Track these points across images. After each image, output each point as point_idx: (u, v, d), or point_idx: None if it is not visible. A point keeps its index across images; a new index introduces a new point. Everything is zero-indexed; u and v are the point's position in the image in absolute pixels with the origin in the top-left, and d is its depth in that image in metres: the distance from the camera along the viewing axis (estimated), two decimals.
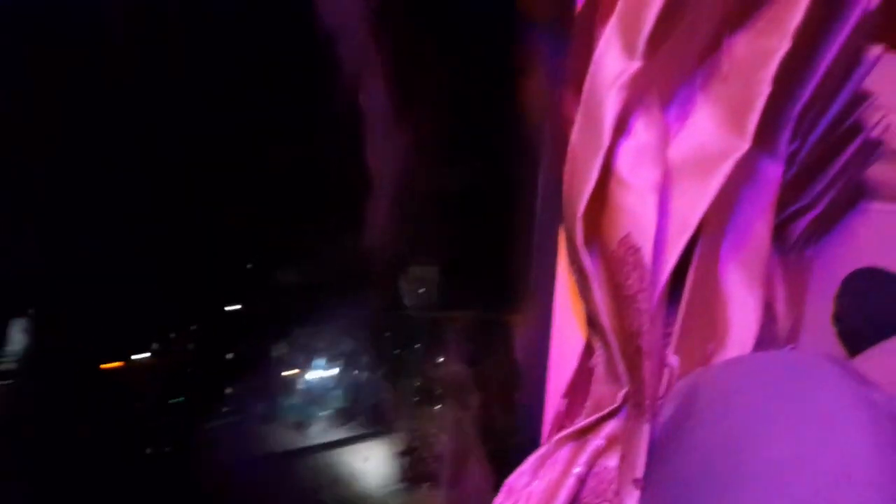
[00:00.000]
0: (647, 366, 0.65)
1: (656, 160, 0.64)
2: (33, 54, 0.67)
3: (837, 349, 1.03)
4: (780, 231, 0.88)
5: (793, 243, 0.96)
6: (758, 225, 0.79)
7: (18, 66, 0.67)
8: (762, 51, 0.66)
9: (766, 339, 0.83)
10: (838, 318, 1.04)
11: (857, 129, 0.89)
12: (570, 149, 0.65)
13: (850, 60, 0.80)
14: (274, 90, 0.74)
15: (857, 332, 1.02)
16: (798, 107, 0.77)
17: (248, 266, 0.80)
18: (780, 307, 0.94)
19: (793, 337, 0.95)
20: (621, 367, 0.68)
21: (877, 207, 1.04)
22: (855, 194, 1.03)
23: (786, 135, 0.79)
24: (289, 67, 0.73)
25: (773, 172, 0.80)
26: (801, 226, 0.94)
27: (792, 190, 0.87)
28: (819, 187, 0.91)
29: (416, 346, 0.80)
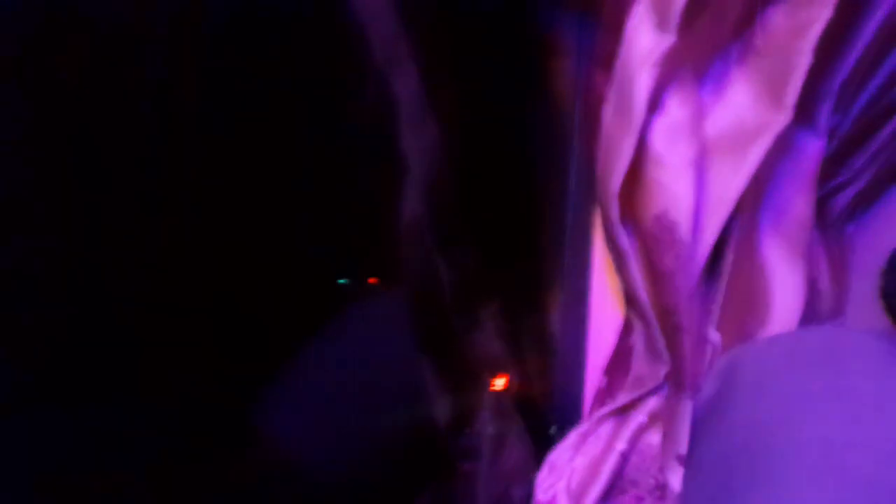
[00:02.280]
0: (687, 343, 0.62)
1: (691, 136, 0.61)
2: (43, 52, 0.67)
3: (884, 325, 0.98)
4: (821, 207, 0.84)
5: (834, 219, 0.91)
6: (799, 200, 0.76)
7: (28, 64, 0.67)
8: (801, 20, 0.62)
9: (811, 315, 0.80)
10: (884, 294, 0.98)
11: None
12: (602, 127, 0.63)
13: (891, 31, 0.75)
14: (304, 77, 0.73)
15: None
16: (839, 79, 0.73)
17: (280, 251, 0.79)
18: (824, 283, 0.90)
19: (837, 313, 0.91)
20: (661, 344, 0.66)
21: None
22: None
23: (826, 108, 0.75)
24: (319, 54, 0.72)
25: (813, 147, 0.76)
26: (843, 201, 0.90)
27: (833, 164, 0.82)
28: (861, 161, 0.86)
29: (453, 327, 0.78)
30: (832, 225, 0.92)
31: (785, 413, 0.56)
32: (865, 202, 0.95)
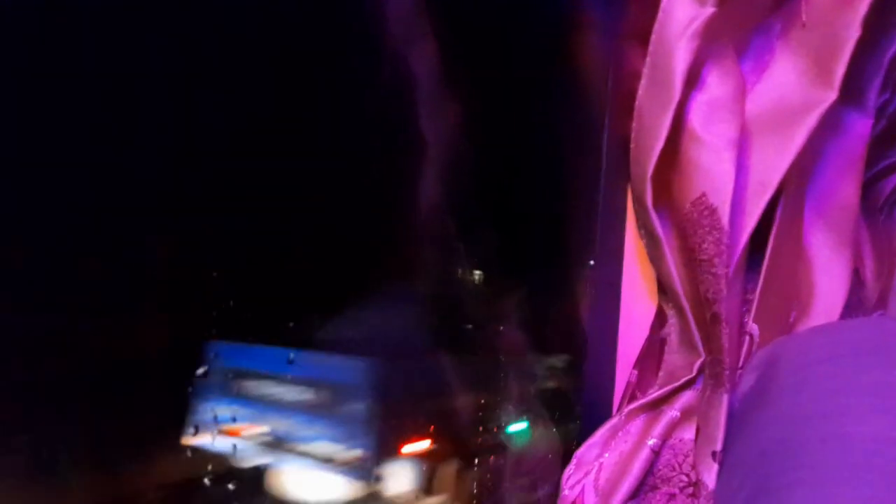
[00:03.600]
0: (726, 334, 0.60)
1: (732, 114, 0.59)
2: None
3: None
4: (867, 190, 0.81)
5: (882, 204, 0.88)
6: (844, 184, 0.73)
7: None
8: None
9: (854, 305, 0.77)
10: None
11: None
12: (637, 104, 0.61)
13: None
14: (326, 58, 0.72)
15: None
16: (889, 53, 0.70)
17: (300, 233, 0.78)
18: (868, 272, 0.87)
19: (882, 303, 0.88)
20: (697, 336, 0.64)
21: None
22: None
23: (875, 85, 0.72)
24: (338, 36, 0.71)
25: (861, 126, 0.73)
26: (891, 185, 0.86)
27: (881, 145, 0.79)
28: None
29: (481, 318, 0.77)
30: (879, 210, 0.88)
31: (828, 407, 0.54)
32: None
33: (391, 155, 0.73)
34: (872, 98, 0.72)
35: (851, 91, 0.69)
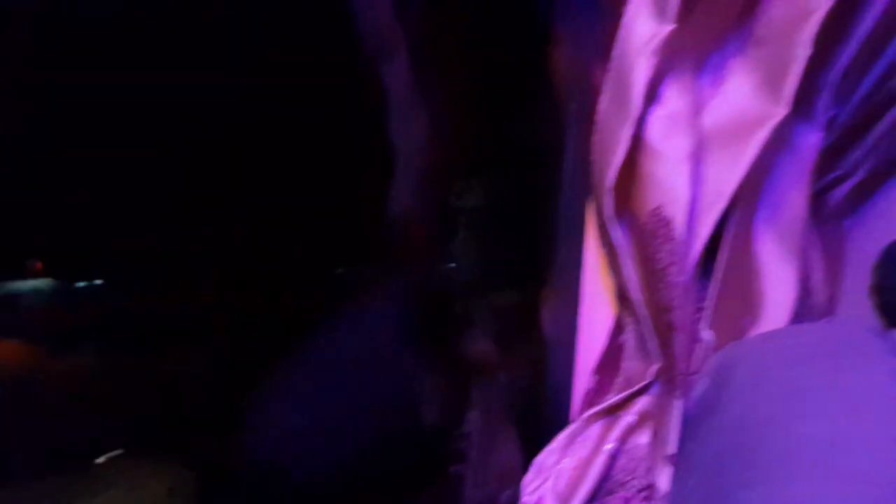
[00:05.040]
0: (679, 341, 0.63)
1: (688, 129, 0.62)
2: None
3: (876, 322, 1.00)
4: (816, 200, 0.85)
5: (830, 213, 0.93)
6: (794, 194, 0.77)
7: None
8: (801, 10, 0.63)
9: (803, 312, 0.81)
10: (877, 290, 1.00)
11: None
12: (598, 118, 0.63)
13: (894, 18, 0.76)
14: (294, 68, 0.72)
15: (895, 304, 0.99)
16: (839, 69, 0.74)
17: (266, 244, 0.79)
18: (817, 279, 0.91)
19: (830, 310, 0.93)
20: (652, 343, 0.67)
21: None
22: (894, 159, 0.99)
23: (824, 100, 0.76)
24: (310, 44, 0.72)
25: (810, 139, 0.77)
26: (840, 195, 0.91)
27: (830, 157, 0.84)
28: (858, 154, 0.87)
29: (443, 324, 0.79)
30: (828, 219, 0.93)
31: (778, 410, 0.57)
32: (863, 196, 0.96)
33: (357, 163, 0.74)
34: (822, 112, 0.76)
35: (802, 105, 0.73)
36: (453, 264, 0.76)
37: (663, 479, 0.65)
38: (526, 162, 0.77)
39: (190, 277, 0.80)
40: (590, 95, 0.64)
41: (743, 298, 0.74)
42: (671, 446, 0.64)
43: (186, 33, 0.70)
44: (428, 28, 0.69)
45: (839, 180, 0.90)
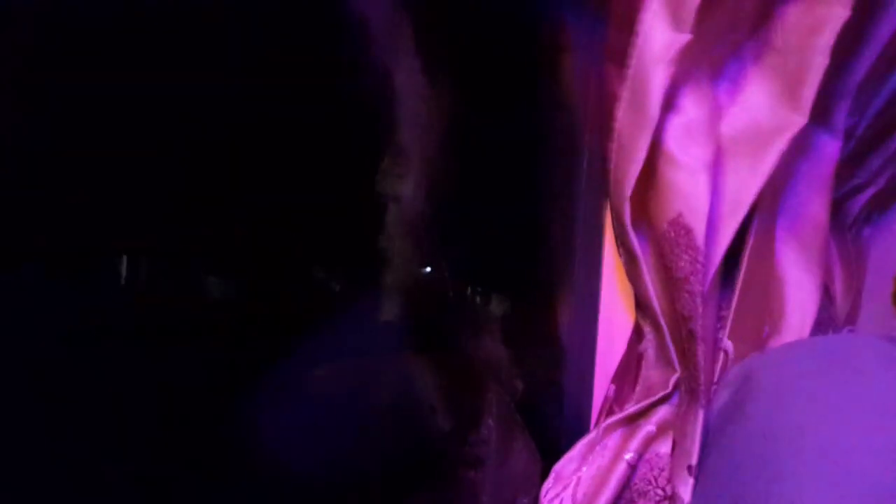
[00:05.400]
0: (701, 350, 0.63)
1: (707, 137, 0.62)
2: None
3: None
4: (836, 209, 0.85)
5: (850, 222, 0.92)
6: (814, 203, 0.77)
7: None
8: (818, 19, 0.63)
9: (824, 321, 0.81)
10: None
11: None
12: (616, 126, 0.64)
13: None
14: (303, 68, 0.73)
15: None
16: (857, 78, 0.74)
17: (274, 242, 0.80)
18: (838, 288, 0.91)
19: (851, 319, 0.92)
20: (673, 352, 0.67)
21: None
22: None
23: (843, 108, 0.76)
24: (318, 45, 0.72)
25: (830, 148, 0.77)
26: (859, 203, 0.91)
27: (849, 166, 0.84)
28: (878, 162, 0.88)
29: (459, 331, 0.79)
30: (848, 228, 0.93)
31: (797, 421, 0.57)
32: (882, 205, 0.97)
33: (369, 170, 0.75)
34: (841, 121, 0.77)
35: (821, 114, 0.73)
36: (471, 270, 0.77)
37: (685, 490, 0.65)
38: (543, 169, 0.78)
39: (184, 275, 0.80)
40: (605, 102, 0.65)
41: (764, 308, 0.74)
42: (693, 457, 0.64)
43: (187, 32, 0.71)
44: (438, 33, 0.70)
45: (858, 189, 0.90)
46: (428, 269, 0.77)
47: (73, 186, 0.73)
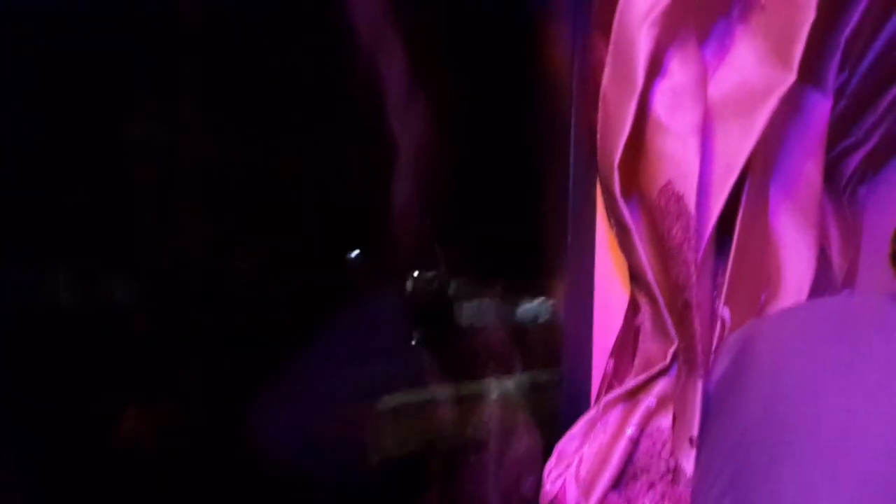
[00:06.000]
0: (697, 320, 0.62)
1: (695, 100, 0.61)
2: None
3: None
4: (830, 170, 0.84)
5: (845, 182, 0.91)
6: (807, 164, 0.76)
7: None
8: None
9: (822, 284, 0.80)
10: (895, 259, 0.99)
11: None
12: (601, 94, 0.62)
13: None
14: (290, 62, 0.72)
15: None
16: (846, 33, 0.73)
17: (269, 240, 0.79)
18: (835, 250, 0.90)
19: (849, 281, 0.92)
20: (669, 323, 0.66)
21: None
22: None
23: (833, 65, 0.74)
24: (304, 38, 0.71)
25: (821, 107, 0.75)
26: (853, 163, 0.90)
27: (842, 125, 0.82)
28: (871, 120, 0.86)
29: (455, 313, 0.78)
30: (843, 189, 0.92)
31: (802, 387, 0.56)
32: (876, 164, 0.95)
33: (360, 154, 0.73)
34: (831, 78, 0.75)
35: (810, 72, 0.71)
36: (465, 253, 0.76)
37: (688, 462, 0.64)
38: (530, 144, 0.76)
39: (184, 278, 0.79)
40: (594, 72, 0.63)
41: (760, 273, 0.73)
42: (694, 428, 0.63)
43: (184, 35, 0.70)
44: (420, 18, 0.68)
45: (852, 148, 0.89)
46: (425, 256, 0.76)
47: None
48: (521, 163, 0.77)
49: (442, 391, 0.79)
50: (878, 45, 0.79)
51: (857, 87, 0.80)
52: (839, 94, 0.78)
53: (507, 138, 0.77)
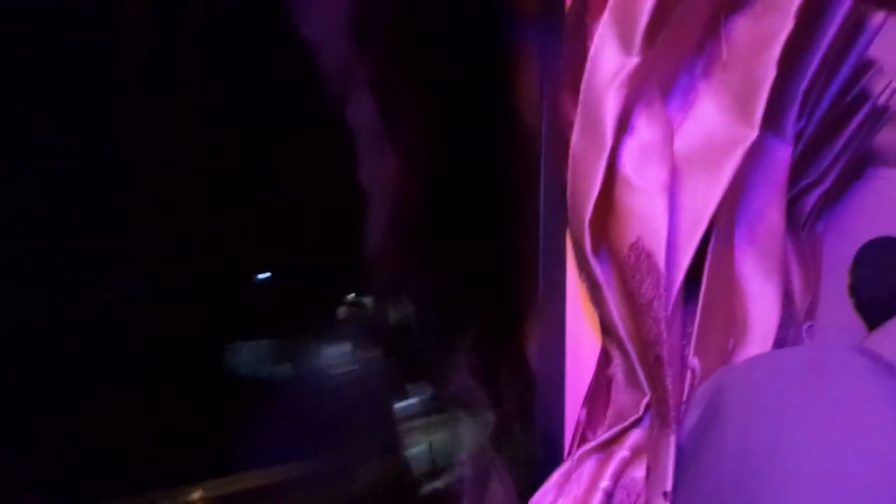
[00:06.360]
0: (669, 374, 0.63)
1: (662, 158, 0.62)
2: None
3: (855, 321, 1.02)
4: (789, 208, 0.87)
5: (804, 220, 0.94)
6: (771, 209, 0.78)
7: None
8: (763, 33, 0.63)
9: (784, 320, 0.82)
10: (854, 290, 1.02)
11: (862, 97, 0.87)
12: (571, 152, 0.63)
13: (853, 30, 0.77)
14: (258, 106, 0.71)
15: (873, 302, 1.01)
16: (803, 84, 0.75)
17: (244, 281, 0.78)
18: (796, 286, 0.93)
19: (810, 314, 0.94)
20: (641, 376, 0.66)
21: (885, 174, 1.02)
22: (862, 162, 1.01)
23: (793, 114, 0.77)
24: (272, 83, 0.70)
25: (782, 154, 0.78)
26: (811, 201, 0.93)
27: (800, 166, 0.85)
28: (827, 161, 0.89)
29: (425, 363, 0.78)
30: (802, 226, 0.94)
31: (774, 443, 0.57)
32: (832, 200, 0.99)
33: (331, 198, 0.73)
34: (791, 126, 0.77)
35: (771, 122, 0.73)
36: (433, 301, 0.75)
37: None
38: (500, 196, 0.77)
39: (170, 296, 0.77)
40: (563, 129, 0.64)
41: (728, 320, 0.75)
42: (668, 482, 0.64)
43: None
44: (391, 63, 0.68)
45: (809, 188, 0.91)
46: (396, 305, 0.76)
47: None
48: (493, 217, 0.77)
49: (412, 440, 0.79)
50: (832, 90, 0.82)
51: (813, 132, 0.83)
52: (797, 138, 0.80)
53: (479, 192, 0.77)
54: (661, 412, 0.66)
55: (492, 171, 0.76)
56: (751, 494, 0.55)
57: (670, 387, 0.63)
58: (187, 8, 0.66)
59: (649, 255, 0.62)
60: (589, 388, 0.74)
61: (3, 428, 0.72)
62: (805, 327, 0.92)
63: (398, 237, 0.73)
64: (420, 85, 0.71)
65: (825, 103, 0.81)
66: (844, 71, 0.81)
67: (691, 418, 0.67)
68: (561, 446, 0.77)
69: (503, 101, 0.71)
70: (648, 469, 0.67)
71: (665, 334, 0.62)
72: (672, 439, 0.64)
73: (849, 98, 0.85)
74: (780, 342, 0.75)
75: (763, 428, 0.59)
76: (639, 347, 0.65)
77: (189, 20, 0.68)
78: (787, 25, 0.63)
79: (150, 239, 0.74)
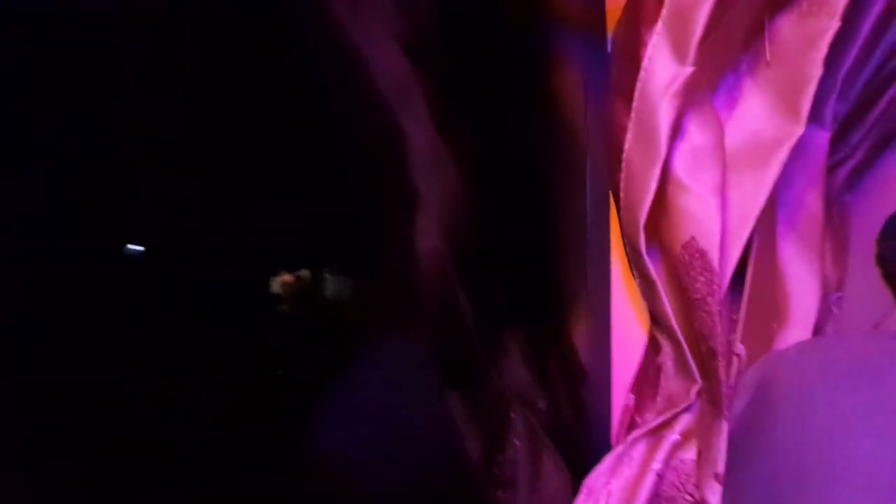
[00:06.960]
0: (722, 366, 0.66)
1: (714, 160, 0.64)
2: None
3: (883, 291, 1.05)
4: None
5: (835, 194, 0.96)
6: (810, 195, 0.80)
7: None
8: (810, 32, 0.65)
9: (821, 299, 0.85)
10: (882, 260, 1.05)
11: (894, 75, 0.88)
12: (625, 157, 0.65)
13: (887, 16, 0.78)
14: (314, 121, 0.73)
15: None
16: (842, 72, 0.77)
17: (294, 293, 0.80)
18: (828, 258, 0.95)
19: (840, 285, 0.97)
20: (693, 366, 0.70)
21: None
22: (890, 134, 1.02)
23: (832, 101, 0.79)
24: (328, 98, 0.72)
25: (820, 140, 0.80)
26: (841, 176, 0.95)
27: (833, 144, 0.87)
28: (857, 137, 0.91)
29: (477, 356, 0.81)
30: (833, 201, 0.97)
31: (830, 431, 0.61)
32: (861, 172, 1.01)
33: (387, 206, 0.75)
34: (830, 114, 0.79)
35: (813, 113, 0.75)
36: (483, 298, 0.79)
37: (713, 496, 0.69)
38: (549, 197, 0.79)
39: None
40: (612, 133, 0.66)
41: (770, 306, 0.78)
42: (719, 465, 0.68)
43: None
44: (444, 75, 0.70)
45: (840, 163, 0.93)
46: (449, 302, 0.79)
47: None
48: (541, 212, 0.80)
49: (468, 431, 0.82)
50: (867, 72, 0.83)
51: (848, 112, 0.85)
52: (833, 120, 0.82)
53: (528, 189, 0.80)
54: (712, 399, 0.70)
55: (540, 174, 0.78)
56: (804, 480, 0.59)
57: (722, 376, 0.67)
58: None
59: (703, 254, 0.65)
60: (636, 375, 0.78)
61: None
62: (834, 298, 0.95)
63: (452, 240, 0.76)
64: (469, 100, 0.72)
65: (861, 82, 0.83)
66: (879, 54, 0.82)
67: (739, 404, 0.71)
68: (608, 431, 0.81)
69: (550, 109, 0.73)
70: (699, 452, 0.71)
71: (719, 328, 0.65)
72: (723, 425, 0.68)
73: (882, 76, 0.86)
74: (817, 321, 0.79)
75: (818, 418, 0.62)
76: (691, 340, 0.69)
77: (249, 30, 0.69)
78: (834, 25, 0.65)
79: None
